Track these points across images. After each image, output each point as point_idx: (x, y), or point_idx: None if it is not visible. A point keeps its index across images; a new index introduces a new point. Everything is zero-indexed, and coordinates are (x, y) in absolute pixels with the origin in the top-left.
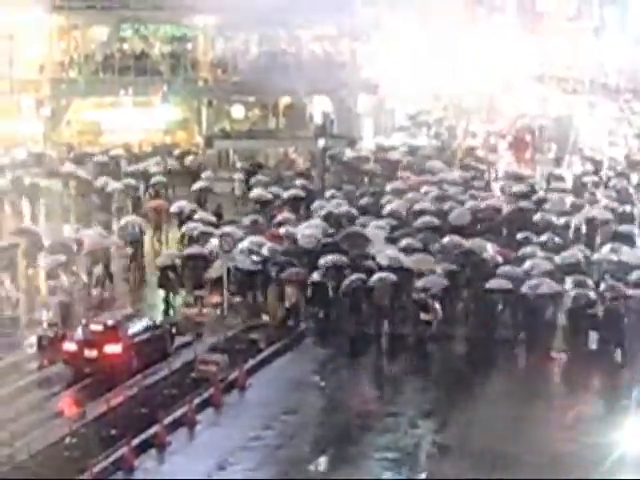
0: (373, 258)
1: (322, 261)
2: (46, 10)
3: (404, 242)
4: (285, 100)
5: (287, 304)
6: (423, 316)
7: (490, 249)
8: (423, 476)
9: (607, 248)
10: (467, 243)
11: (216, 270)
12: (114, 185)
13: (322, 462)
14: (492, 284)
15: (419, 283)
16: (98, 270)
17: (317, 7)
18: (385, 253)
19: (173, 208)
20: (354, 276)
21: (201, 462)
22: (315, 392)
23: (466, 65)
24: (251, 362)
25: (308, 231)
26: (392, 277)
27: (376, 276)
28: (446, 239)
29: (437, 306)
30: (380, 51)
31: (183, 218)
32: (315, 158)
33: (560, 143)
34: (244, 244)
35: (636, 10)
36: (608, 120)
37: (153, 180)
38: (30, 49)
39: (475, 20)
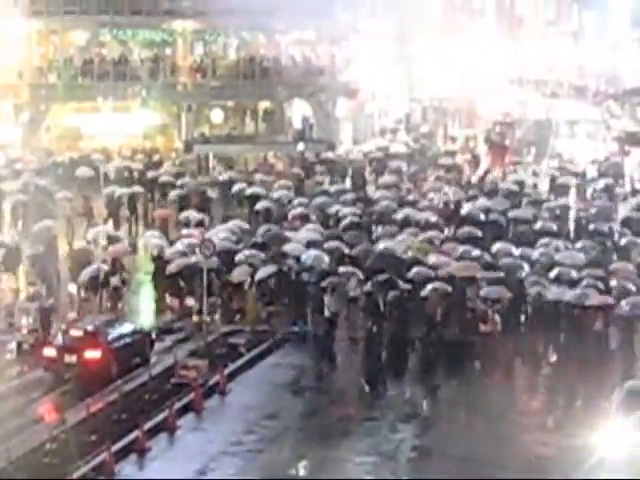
0: (298, 259)
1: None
2: (24, 15)
3: (331, 244)
4: (264, 105)
5: (327, 313)
6: (482, 327)
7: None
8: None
9: (541, 244)
10: (387, 244)
11: (238, 275)
12: (121, 191)
13: (303, 466)
14: (553, 295)
15: (481, 292)
16: (115, 281)
17: (296, 12)
18: (309, 253)
19: (181, 217)
20: (401, 287)
21: (182, 467)
22: (295, 396)
23: (445, 69)
24: (231, 367)
25: (223, 234)
26: (446, 287)
27: (430, 286)
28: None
29: (497, 317)
30: (359, 56)
31: (191, 227)
32: (295, 162)
33: (539, 147)
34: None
35: (614, 15)
36: (587, 123)
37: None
38: (8, 54)
39: (454, 24)
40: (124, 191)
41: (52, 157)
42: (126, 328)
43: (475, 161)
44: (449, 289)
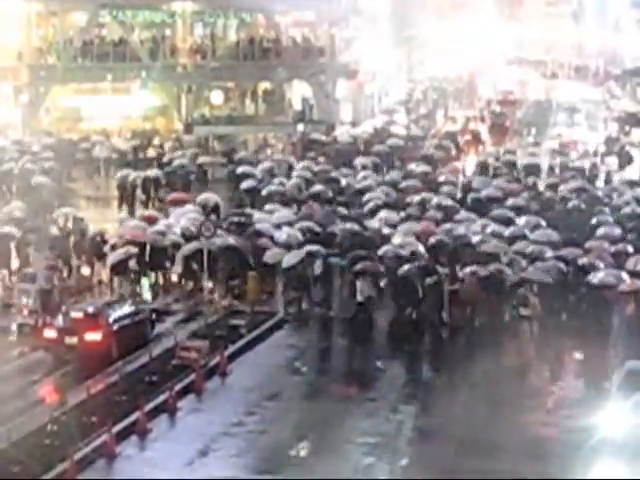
0: (272, 238)
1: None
2: None
3: (305, 224)
4: (264, 86)
5: (360, 298)
6: (523, 311)
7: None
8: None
9: (522, 222)
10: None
11: (272, 257)
12: (134, 175)
13: (303, 447)
14: (597, 280)
15: (522, 274)
16: (132, 264)
17: None
18: (283, 231)
19: (198, 200)
20: (439, 271)
21: (183, 448)
22: (296, 377)
23: (446, 50)
24: (232, 348)
25: (192, 215)
26: (483, 271)
27: (467, 269)
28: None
29: (536, 301)
30: (359, 37)
31: (208, 211)
32: (297, 144)
33: (539, 128)
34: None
35: None
36: (587, 104)
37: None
38: (8, 36)
39: (454, 5)
40: (140, 174)
41: (50, 138)
42: (127, 309)
43: (476, 140)
44: (486, 273)
